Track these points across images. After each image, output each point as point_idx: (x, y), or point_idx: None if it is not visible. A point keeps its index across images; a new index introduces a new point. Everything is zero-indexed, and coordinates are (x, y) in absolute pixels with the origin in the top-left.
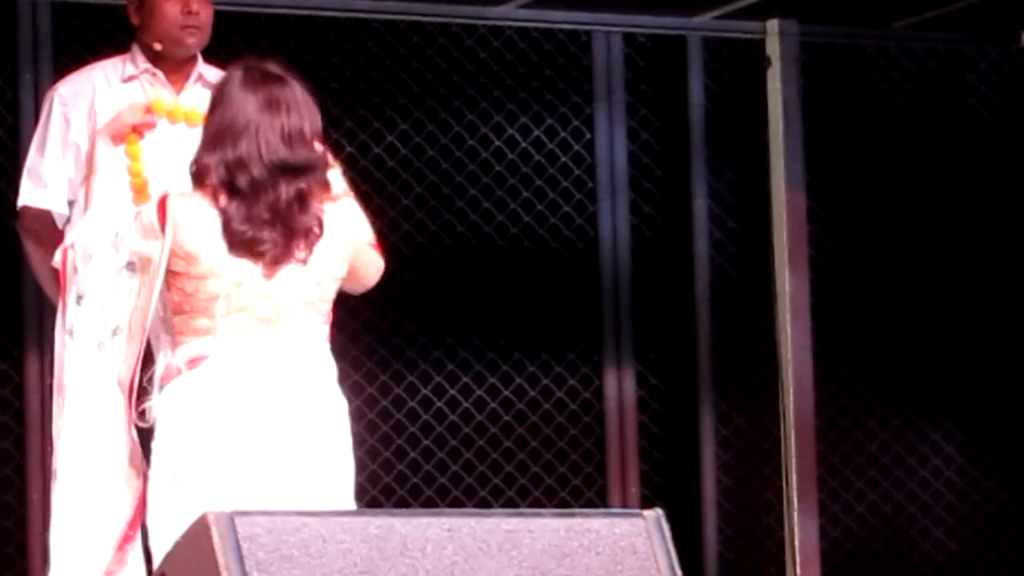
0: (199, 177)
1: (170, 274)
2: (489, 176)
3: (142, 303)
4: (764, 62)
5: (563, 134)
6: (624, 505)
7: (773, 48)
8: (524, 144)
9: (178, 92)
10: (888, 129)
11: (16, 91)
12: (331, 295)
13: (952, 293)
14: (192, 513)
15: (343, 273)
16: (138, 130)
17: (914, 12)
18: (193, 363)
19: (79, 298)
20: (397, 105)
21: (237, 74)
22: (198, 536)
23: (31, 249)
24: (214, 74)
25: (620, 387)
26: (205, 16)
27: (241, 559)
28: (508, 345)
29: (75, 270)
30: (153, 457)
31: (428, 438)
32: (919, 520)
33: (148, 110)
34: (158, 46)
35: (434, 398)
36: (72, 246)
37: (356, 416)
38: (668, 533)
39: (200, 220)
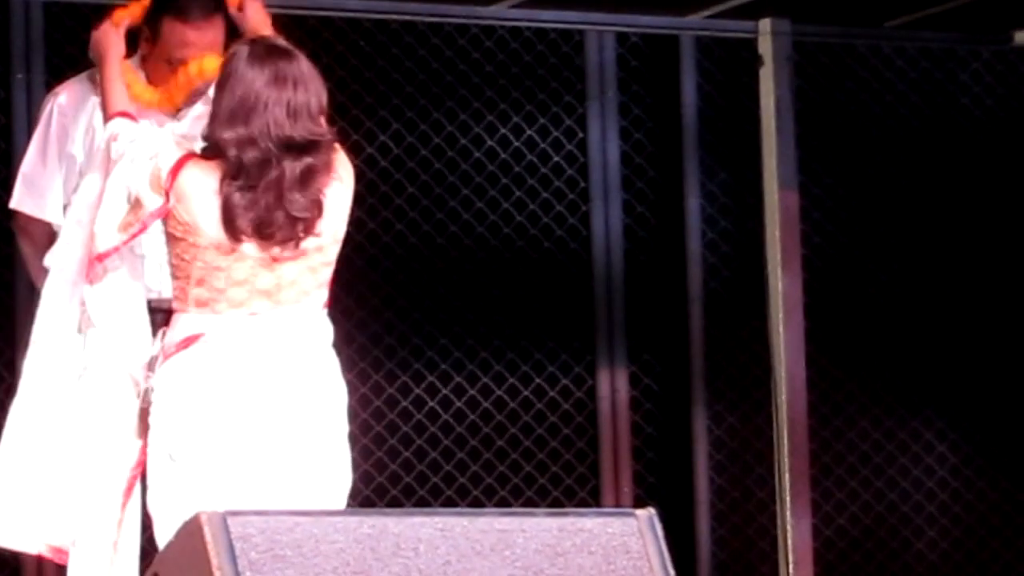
0: (215, 151)
1: (170, 237)
2: (482, 176)
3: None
4: (757, 61)
5: (556, 134)
6: (617, 504)
7: (765, 47)
8: (517, 143)
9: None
10: (881, 128)
11: (9, 91)
12: (332, 260)
13: (945, 292)
14: (189, 491)
15: (341, 237)
16: (117, 22)
17: (906, 11)
18: (189, 341)
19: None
20: (389, 105)
21: (243, 49)
22: (191, 536)
23: (26, 249)
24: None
25: (613, 387)
26: (209, 39)
27: (234, 559)
28: (501, 345)
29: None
30: (150, 435)
31: (421, 437)
32: (912, 519)
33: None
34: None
35: (427, 398)
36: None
37: (349, 415)
38: (661, 532)
39: (207, 193)
